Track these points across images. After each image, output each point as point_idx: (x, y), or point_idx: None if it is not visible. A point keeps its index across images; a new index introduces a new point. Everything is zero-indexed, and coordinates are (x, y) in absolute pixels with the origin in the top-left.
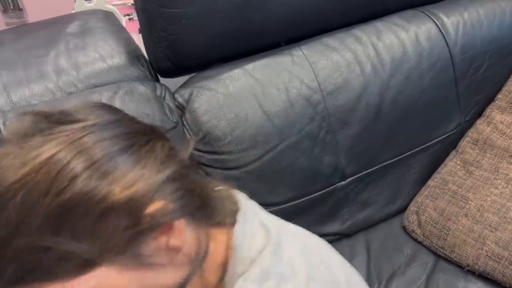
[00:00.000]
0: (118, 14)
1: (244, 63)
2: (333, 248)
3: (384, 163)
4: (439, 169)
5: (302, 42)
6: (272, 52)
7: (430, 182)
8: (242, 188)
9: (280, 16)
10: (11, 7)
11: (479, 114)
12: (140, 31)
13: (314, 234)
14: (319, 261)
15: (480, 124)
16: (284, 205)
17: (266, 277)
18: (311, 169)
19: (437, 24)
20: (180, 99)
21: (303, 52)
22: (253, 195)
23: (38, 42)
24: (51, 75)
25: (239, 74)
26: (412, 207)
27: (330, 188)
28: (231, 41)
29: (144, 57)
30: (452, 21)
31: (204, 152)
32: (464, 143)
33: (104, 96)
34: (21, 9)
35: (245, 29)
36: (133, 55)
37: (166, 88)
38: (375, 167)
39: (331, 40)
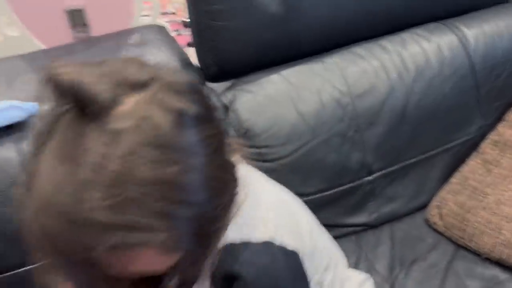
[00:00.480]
0: (169, 29)
1: (281, 69)
2: (301, 203)
3: (409, 161)
4: (460, 168)
5: (333, 51)
6: (306, 59)
7: (452, 179)
8: (277, 179)
9: (314, 28)
10: (79, 24)
11: (499, 118)
12: (188, 44)
13: (288, 191)
14: (288, 212)
15: (501, 127)
16: (315, 196)
17: (241, 227)
18: (340, 164)
19: (458, 36)
20: (224, 100)
21: (334, 60)
22: (287, 186)
23: (104, 51)
24: None
25: (276, 79)
26: (434, 201)
27: (358, 182)
28: (270, 50)
29: (194, 65)
30: (473, 32)
31: (244, 146)
32: (485, 144)
33: None
34: (86, 25)
35: (283, 40)
36: (185, 63)
37: (213, 90)
38: (400, 165)
39: (360, 49)
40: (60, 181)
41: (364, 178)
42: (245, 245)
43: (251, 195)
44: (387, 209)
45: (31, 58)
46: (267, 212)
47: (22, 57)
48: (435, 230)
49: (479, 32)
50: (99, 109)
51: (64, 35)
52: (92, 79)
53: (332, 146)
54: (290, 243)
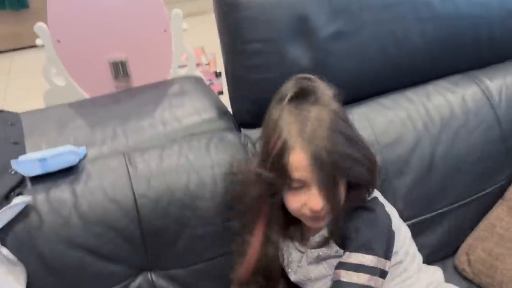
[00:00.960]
0: (204, 79)
1: None
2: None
3: (439, 211)
4: (487, 215)
5: (361, 102)
6: None
7: (479, 226)
8: None
9: (342, 80)
10: (121, 74)
11: None
12: (219, 92)
13: None
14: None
15: None
16: None
17: None
18: None
19: (481, 88)
20: (258, 147)
21: (362, 110)
22: None
23: (147, 100)
24: (158, 125)
25: None
26: (463, 248)
27: None
28: None
29: (229, 112)
30: (496, 84)
31: None
32: (510, 191)
33: (201, 143)
34: (128, 76)
35: None
36: (221, 110)
37: (248, 137)
38: (431, 214)
39: (386, 101)
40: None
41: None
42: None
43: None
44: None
45: (79, 106)
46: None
47: (71, 105)
48: (465, 277)
49: (501, 84)
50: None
51: (107, 85)
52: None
53: None
54: (388, 209)
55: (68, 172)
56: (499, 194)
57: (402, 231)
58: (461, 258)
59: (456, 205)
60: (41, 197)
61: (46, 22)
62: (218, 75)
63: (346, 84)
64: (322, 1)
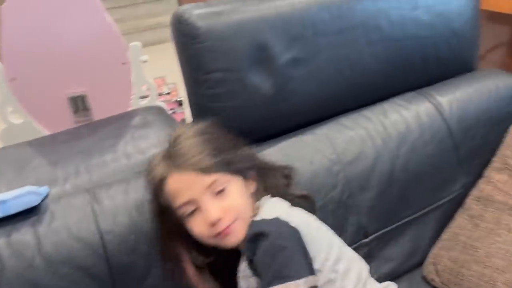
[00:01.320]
0: (167, 108)
1: (275, 142)
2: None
3: (402, 221)
4: (449, 224)
5: (322, 122)
6: (297, 132)
7: (443, 236)
8: None
9: (303, 103)
10: (81, 109)
11: (480, 175)
12: (182, 120)
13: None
14: (301, 213)
15: (481, 183)
16: None
17: (260, 217)
18: (337, 229)
19: (433, 103)
20: None
21: (323, 131)
22: None
23: (109, 134)
24: (122, 159)
25: (273, 151)
26: (429, 258)
27: (355, 245)
28: (265, 125)
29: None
30: (446, 99)
31: None
32: (469, 200)
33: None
34: (88, 110)
35: (275, 116)
36: None
37: None
38: (394, 225)
39: (346, 120)
40: None
41: (362, 241)
42: (262, 219)
43: (272, 201)
44: (386, 269)
45: (39, 143)
46: (281, 208)
47: (30, 143)
48: (434, 287)
49: (452, 98)
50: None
51: (67, 120)
52: None
53: (328, 212)
54: (293, 221)
55: (30, 213)
56: (457, 202)
57: (322, 241)
58: (428, 268)
59: (417, 214)
60: (1, 241)
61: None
62: (180, 103)
63: (306, 107)
64: (279, 29)
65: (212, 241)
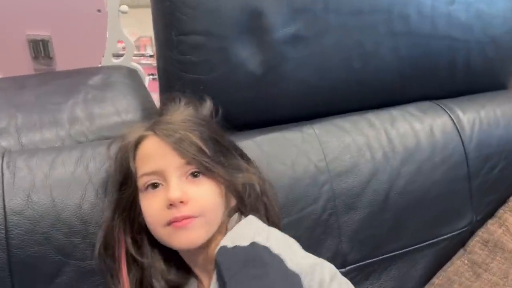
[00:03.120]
0: (142, 72)
1: (254, 134)
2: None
3: (388, 255)
4: (445, 267)
5: (314, 120)
6: (283, 126)
7: (435, 280)
8: None
9: (296, 93)
10: (42, 55)
11: (491, 214)
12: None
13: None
14: (281, 235)
15: (491, 224)
16: None
17: (235, 237)
18: (311, 250)
19: (452, 119)
20: None
21: (314, 131)
22: None
23: (59, 89)
24: (64, 123)
25: (247, 145)
26: None
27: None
28: (245, 111)
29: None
30: (468, 117)
31: None
32: (474, 242)
33: (111, 151)
34: (51, 58)
35: (260, 102)
36: (149, 112)
37: None
38: (379, 258)
39: (344, 122)
40: None
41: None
42: (235, 246)
43: (248, 220)
44: None
45: None
46: (259, 229)
47: None
48: None
49: (475, 117)
50: None
51: (24, 65)
52: None
53: (303, 229)
54: (275, 248)
55: None
56: (459, 242)
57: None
58: None
59: (409, 249)
60: None
61: None
62: None
63: (299, 97)
64: None
65: (161, 232)
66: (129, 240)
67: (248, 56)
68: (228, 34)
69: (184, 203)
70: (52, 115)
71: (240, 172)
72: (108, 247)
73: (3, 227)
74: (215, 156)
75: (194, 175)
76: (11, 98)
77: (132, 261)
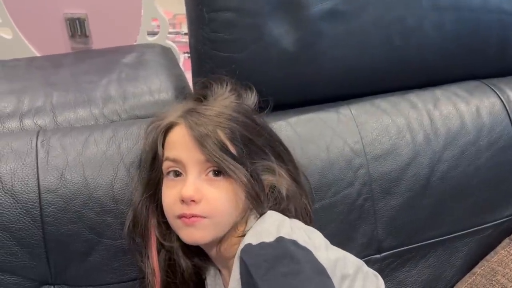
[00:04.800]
0: (177, 50)
1: (287, 115)
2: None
3: (427, 242)
4: (488, 257)
5: (351, 100)
6: (318, 107)
7: (477, 270)
8: None
9: (332, 72)
10: (78, 33)
11: None
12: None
13: None
14: (304, 228)
15: None
16: None
17: (260, 234)
18: (343, 236)
19: (502, 100)
20: None
21: (351, 112)
22: None
23: (94, 68)
24: (98, 101)
25: (281, 126)
26: None
27: (363, 259)
28: (278, 91)
29: (190, 95)
30: None
31: None
32: None
33: (143, 129)
34: (87, 36)
35: (294, 81)
36: (181, 92)
37: None
38: (417, 244)
39: (383, 103)
40: None
41: (372, 256)
42: (261, 242)
43: (268, 215)
44: None
45: (13, 65)
46: (282, 222)
47: (3, 64)
48: None
49: None
50: None
51: (62, 44)
52: None
53: (336, 213)
54: (301, 241)
55: None
56: (505, 231)
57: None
58: None
59: (449, 236)
60: None
61: None
62: None
63: (336, 76)
64: None
65: (173, 222)
66: (155, 222)
67: (282, 33)
68: (261, 10)
69: (196, 202)
70: (86, 93)
71: (270, 174)
72: (137, 225)
73: (38, 205)
74: (241, 157)
75: (215, 173)
76: (48, 77)
77: (159, 242)
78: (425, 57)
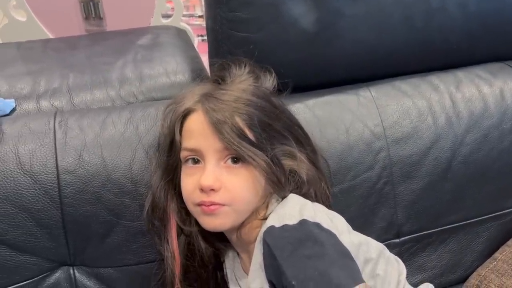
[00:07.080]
0: (192, 33)
1: (306, 97)
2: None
3: (447, 226)
4: (509, 242)
5: (372, 82)
6: (337, 89)
7: (498, 255)
8: None
9: (352, 53)
10: (93, 16)
11: None
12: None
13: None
14: (326, 212)
15: None
16: None
17: (283, 216)
18: (362, 219)
19: None
20: None
21: (371, 94)
22: None
23: (109, 50)
24: (114, 83)
25: (299, 109)
26: (473, 279)
27: (382, 243)
28: (297, 73)
29: (207, 77)
30: None
31: None
32: None
33: (160, 112)
34: (101, 18)
35: (313, 62)
36: (197, 74)
37: None
38: (437, 229)
39: (404, 85)
40: None
41: (391, 240)
42: (285, 225)
43: (290, 198)
44: (413, 280)
45: (28, 47)
46: (304, 205)
47: (19, 45)
48: None
49: None
50: None
51: (76, 26)
52: None
53: (355, 197)
54: (324, 224)
55: None
56: None
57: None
58: None
59: (470, 221)
60: None
61: None
62: None
63: (356, 58)
64: None
65: (192, 209)
66: (174, 207)
67: (301, 13)
68: None
69: (215, 190)
70: (102, 75)
71: (290, 159)
72: (156, 210)
73: (56, 186)
74: (260, 142)
75: (234, 160)
76: (64, 58)
77: (179, 226)
78: (447, 38)
